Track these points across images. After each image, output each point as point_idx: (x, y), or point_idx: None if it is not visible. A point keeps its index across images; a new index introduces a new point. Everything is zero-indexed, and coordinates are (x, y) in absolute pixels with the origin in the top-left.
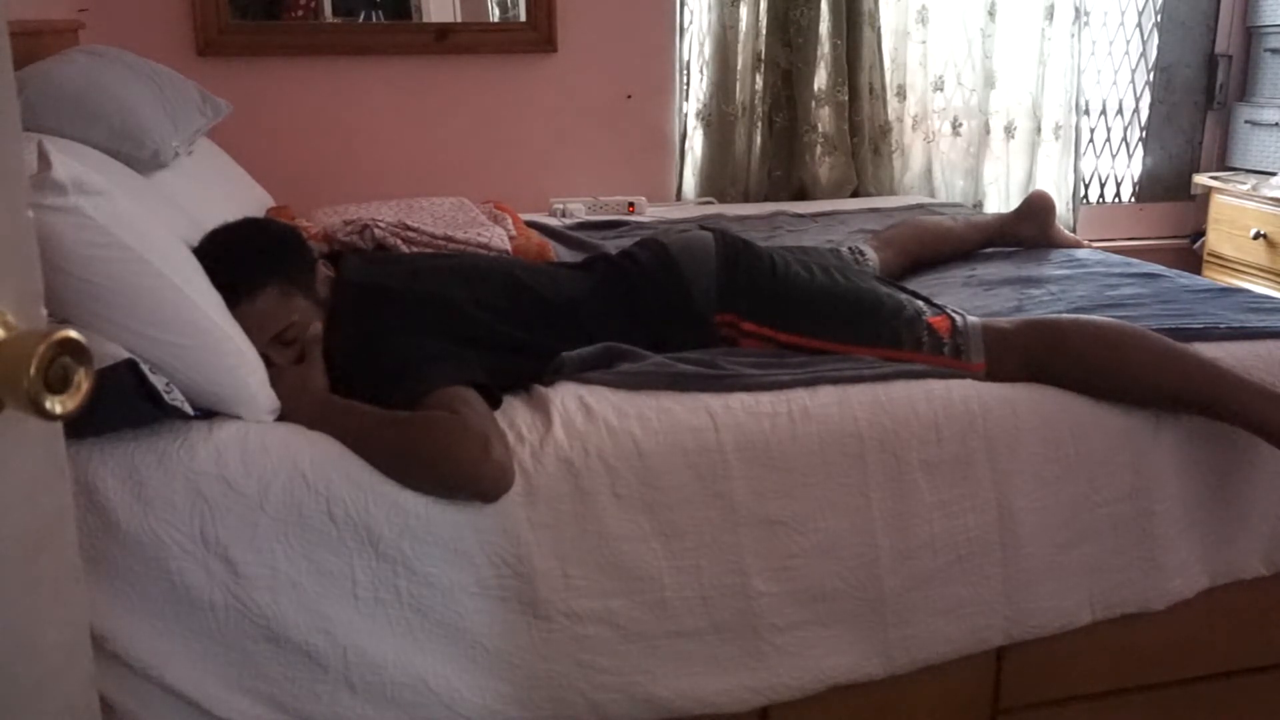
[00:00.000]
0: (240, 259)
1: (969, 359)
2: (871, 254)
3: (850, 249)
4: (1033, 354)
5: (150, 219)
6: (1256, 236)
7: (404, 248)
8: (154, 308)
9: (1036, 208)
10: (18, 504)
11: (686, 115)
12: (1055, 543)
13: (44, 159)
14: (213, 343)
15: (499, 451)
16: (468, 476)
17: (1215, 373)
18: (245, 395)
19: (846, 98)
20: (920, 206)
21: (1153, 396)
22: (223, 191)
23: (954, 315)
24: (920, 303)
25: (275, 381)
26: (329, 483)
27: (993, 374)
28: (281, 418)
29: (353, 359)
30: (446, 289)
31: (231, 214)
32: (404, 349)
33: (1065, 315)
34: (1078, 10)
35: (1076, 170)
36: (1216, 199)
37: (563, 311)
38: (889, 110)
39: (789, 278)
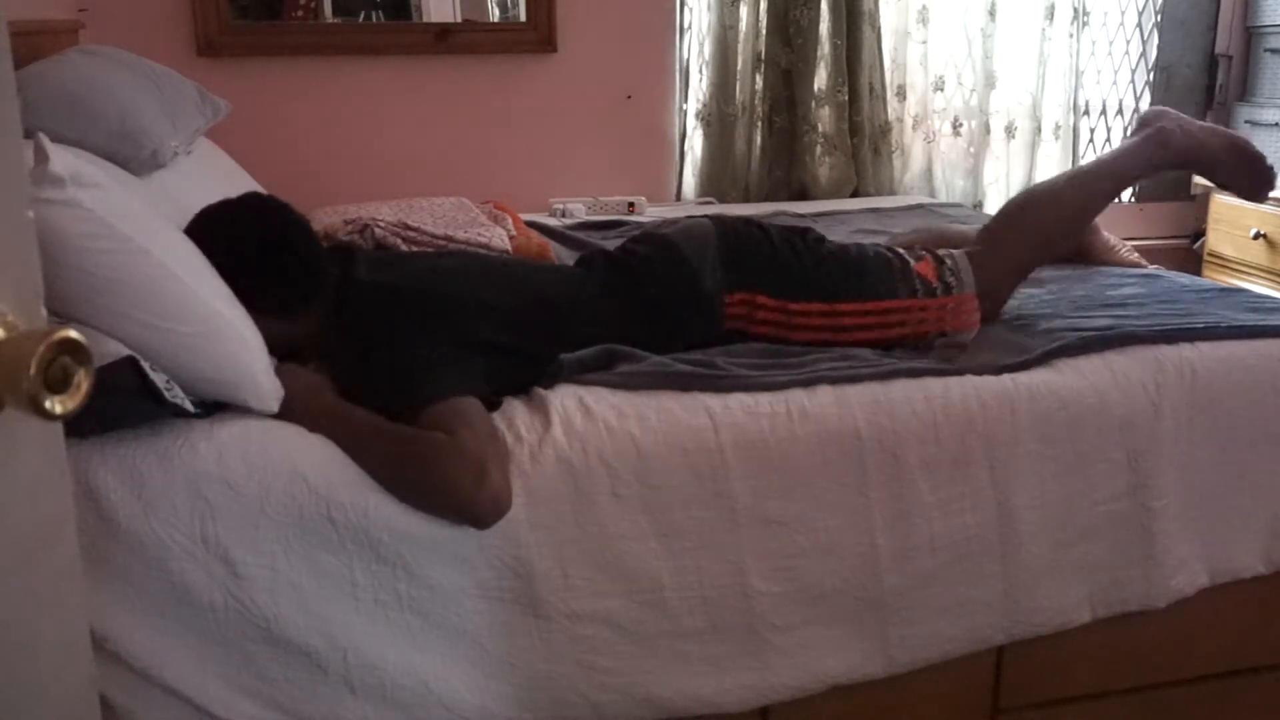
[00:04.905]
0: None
1: (963, 290)
2: None
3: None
4: (1006, 248)
5: (149, 211)
6: (1256, 236)
7: (404, 247)
8: (155, 297)
9: None
10: (18, 504)
11: (686, 115)
12: (1054, 540)
13: (40, 152)
14: (215, 330)
15: (494, 480)
16: (461, 505)
17: (1105, 169)
18: (250, 382)
19: (846, 98)
20: (920, 206)
21: (1084, 214)
22: (222, 191)
23: (935, 255)
24: (899, 253)
25: (285, 379)
26: (330, 485)
27: (987, 293)
28: (283, 413)
29: (355, 359)
30: (452, 291)
31: None
32: (407, 354)
33: (1004, 207)
34: (1077, 10)
35: None
36: (1216, 199)
37: (567, 314)
38: (889, 110)
39: (788, 247)
